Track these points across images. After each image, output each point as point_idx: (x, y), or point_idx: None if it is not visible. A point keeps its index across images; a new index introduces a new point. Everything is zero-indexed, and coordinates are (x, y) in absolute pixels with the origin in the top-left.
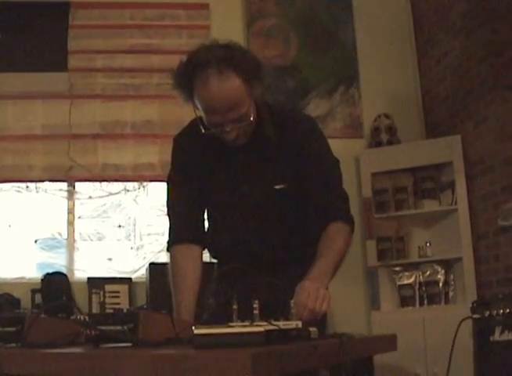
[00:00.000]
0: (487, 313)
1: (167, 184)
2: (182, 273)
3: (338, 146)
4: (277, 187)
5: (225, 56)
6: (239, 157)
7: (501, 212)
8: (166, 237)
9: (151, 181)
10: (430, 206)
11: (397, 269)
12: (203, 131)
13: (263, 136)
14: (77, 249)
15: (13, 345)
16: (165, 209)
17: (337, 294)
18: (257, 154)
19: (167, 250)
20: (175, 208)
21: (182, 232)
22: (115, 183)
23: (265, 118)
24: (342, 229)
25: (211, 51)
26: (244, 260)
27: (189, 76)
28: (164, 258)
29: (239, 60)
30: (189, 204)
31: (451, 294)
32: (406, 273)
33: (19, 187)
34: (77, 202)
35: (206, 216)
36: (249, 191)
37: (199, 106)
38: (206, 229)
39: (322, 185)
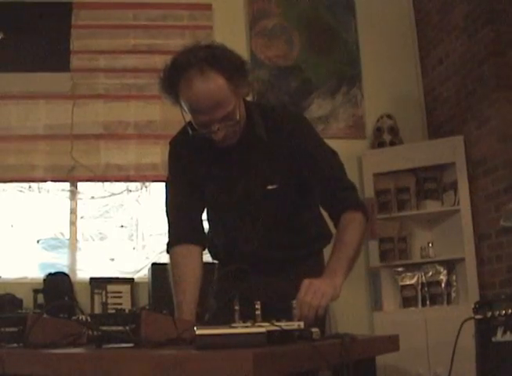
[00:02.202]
0: (489, 314)
1: (166, 187)
2: (182, 274)
3: (341, 147)
4: (270, 187)
5: (206, 56)
6: (232, 158)
7: (503, 213)
8: (165, 239)
9: (153, 181)
10: (432, 207)
11: (399, 269)
12: (190, 133)
13: (254, 136)
14: (80, 249)
15: (15, 345)
16: (164, 212)
17: (340, 294)
18: (250, 155)
19: (167, 252)
20: (173, 210)
21: (180, 233)
22: (117, 183)
23: (255, 118)
24: (353, 218)
25: (193, 52)
26: (242, 260)
27: (173, 79)
28: (166, 258)
29: (221, 59)
30: (186, 206)
31: (453, 294)
32: (408, 274)
33: (21, 187)
34: (79, 202)
35: (206, 217)
36: (243, 191)
37: (185, 108)
38: (206, 230)
39: (325, 179)
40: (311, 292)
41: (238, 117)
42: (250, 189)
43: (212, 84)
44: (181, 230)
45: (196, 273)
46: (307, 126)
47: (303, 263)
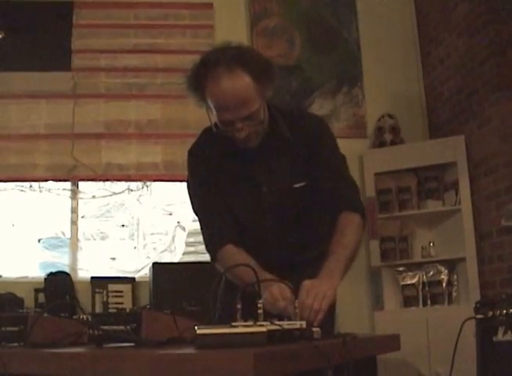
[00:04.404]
0: (490, 314)
1: (192, 195)
2: (241, 258)
3: (342, 146)
4: (296, 186)
5: (235, 55)
6: (257, 159)
7: (504, 212)
8: (210, 246)
9: (154, 180)
10: (433, 206)
11: (400, 269)
12: (214, 130)
13: (278, 136)
14: (81, 248)
15: (16, 344)
16: (197, 218)
17: (341, 294)
18: (274, 155)
19: (213, 258)
20: (209, 219)
21: (223, 237)
22: (118, 183)
23: (278, 119)
24: (352, 220)
25: (222, 51)
26: (266, 260)
27: (200, 76)
28: (167, 257)
29: (249, 59)
30: (220, 212)
31: (454, 294)
32: (410, 273)
33: (22, 186)
34: (80, 201)
35: None
36: (269, 192)
37: (211, 105)
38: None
39: (329, 177)
40: (313, 295)
41: (262, 118)
42: (276, 188)
43: (239, 82)
44: (223, 235)
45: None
46: (325, 126)
47: (314, 264)
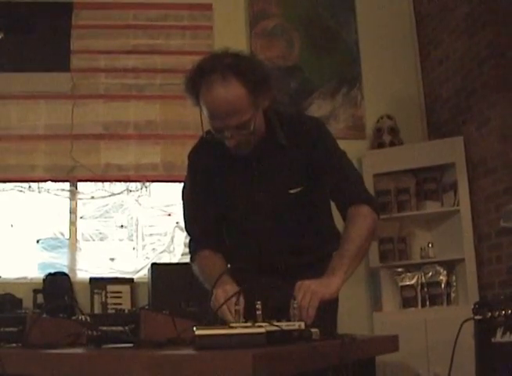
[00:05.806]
0: (488, 315)
1: (183, 199)
2: (211, 263)
3: (341, 147)
4: (292, 191)
5: (231, 64)
6: (253, 165)
7: (503, 213)
8: (189, 252)
9: (153, 181)
10: (432, 207)
11: (399, 270)
12: (204, 136)
13: (274, 143)
14: (79, 249)
15: (15, 345)
16: (183, 224)
17: (339, 295)
18: (270, 161)
19: (192, 260)
20: (195, 224)
21: (203, 243)
22: (117, 183)
23: (275, 125)
24: (358, 212)
25: (219, 58)
26: (265, 264)
27: (195, 81)
28: (166, 258)
29: (244, 69)
30: (208, 218)
31: (453, 295)
32: (408, 274)
33: (21, 187)
34: (79, 202)
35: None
36: (264, 198)
37: (204, 110)
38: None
39: (336, 178)
40: (302, 293)
41: (252, 129)
42: (272, 195)
43: (231, 92)
44: (204, 241)
45: (225, 263)
46: (322, 128)
47: (314, 268)
